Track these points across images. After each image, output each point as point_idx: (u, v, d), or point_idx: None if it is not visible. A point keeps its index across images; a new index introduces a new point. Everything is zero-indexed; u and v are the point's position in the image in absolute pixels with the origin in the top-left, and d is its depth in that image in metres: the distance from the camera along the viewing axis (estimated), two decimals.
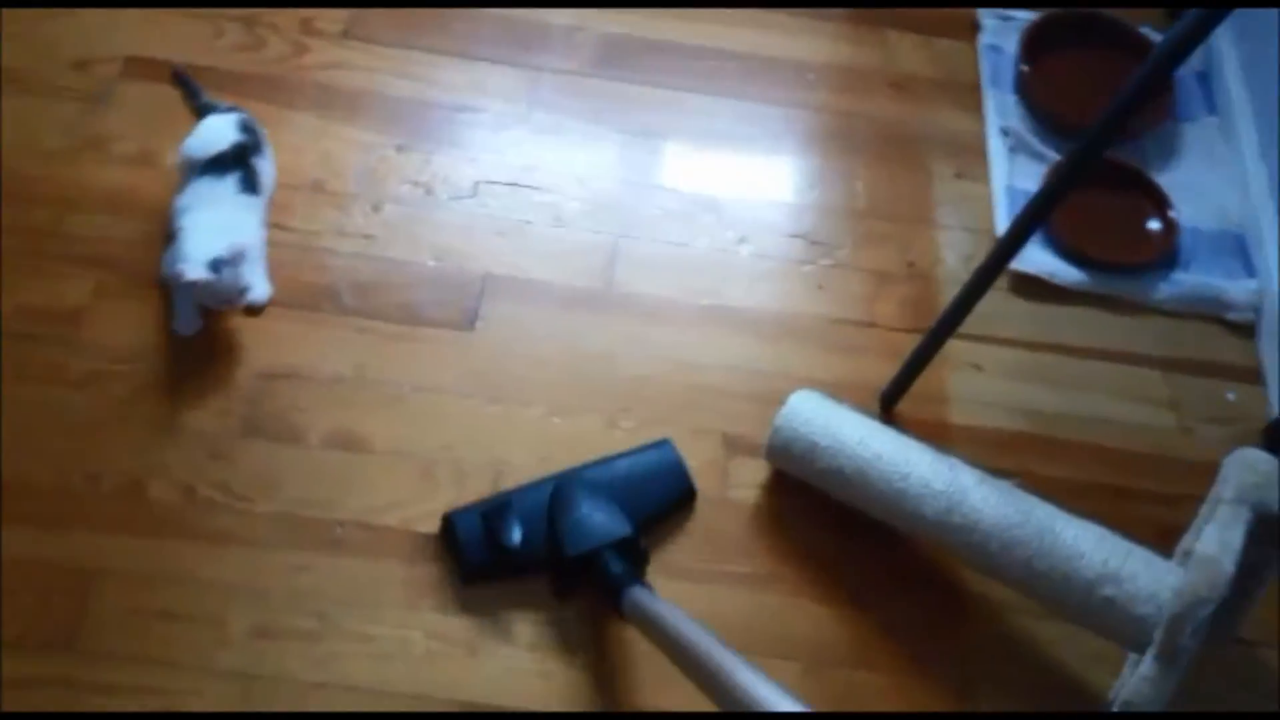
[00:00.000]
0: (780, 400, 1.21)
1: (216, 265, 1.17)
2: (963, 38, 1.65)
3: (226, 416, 1.21)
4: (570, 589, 1.13)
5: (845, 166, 1.51)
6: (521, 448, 1.24)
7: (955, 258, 1.45)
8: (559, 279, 1.36)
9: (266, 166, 1.31)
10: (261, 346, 1.26)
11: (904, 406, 1.31)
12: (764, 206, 1.47)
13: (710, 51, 1.58)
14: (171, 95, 1.42)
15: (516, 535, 1.12)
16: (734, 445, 1.27)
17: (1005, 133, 1.56)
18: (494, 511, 1.14)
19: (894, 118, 1.57)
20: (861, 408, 1.23)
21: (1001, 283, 1.41)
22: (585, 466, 1.20)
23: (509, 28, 1.55)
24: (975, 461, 1.15)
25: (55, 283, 1.27)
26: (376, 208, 1.39)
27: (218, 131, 1.28)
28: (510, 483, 1.20)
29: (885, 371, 1.31)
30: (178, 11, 1.48)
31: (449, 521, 1.15)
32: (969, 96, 1.60)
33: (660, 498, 1.21)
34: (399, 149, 1.43)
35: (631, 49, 1.56)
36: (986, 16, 1.66)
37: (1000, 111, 1.58)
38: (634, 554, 1.11)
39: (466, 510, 1.16)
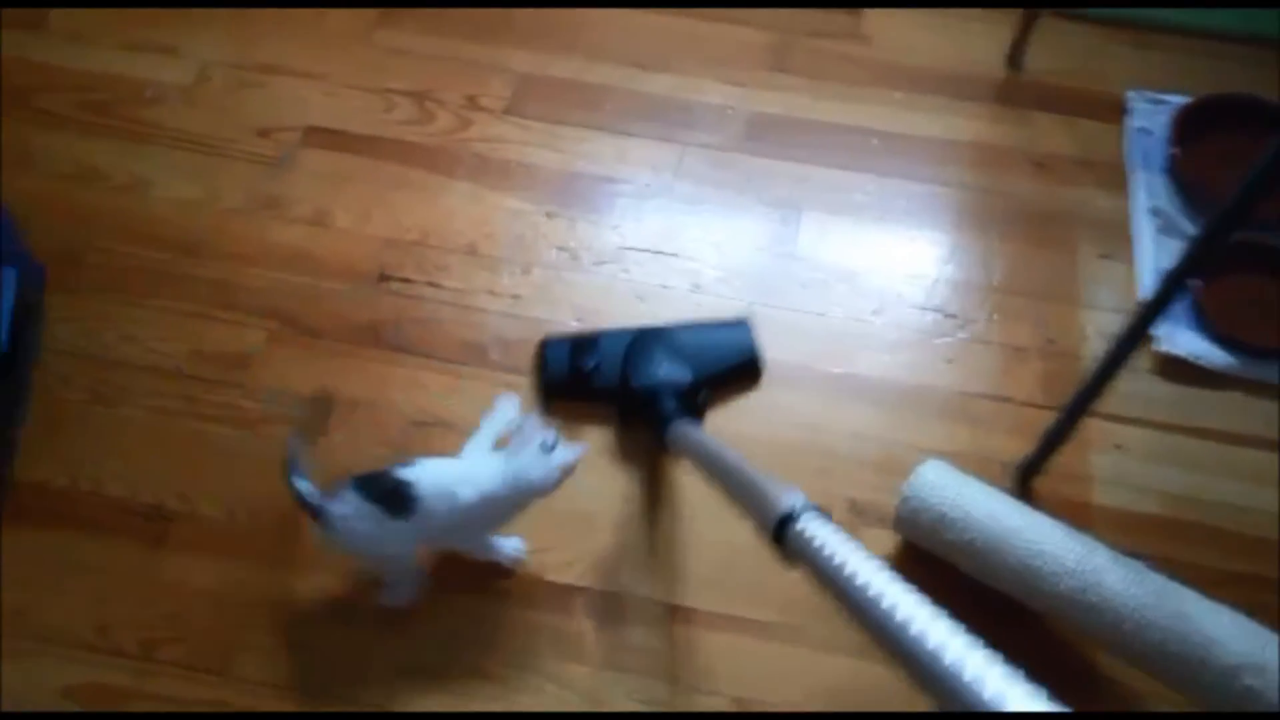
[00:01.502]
0: (909, 471, 1.21)
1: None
2: (1107, 119, 1.64)
3: (377, 462, 1.28)
4: (632, 419, 1.31)
5: (984, 242, 1.52)
6: (658, 507, 1.27)
7: (1100, 337, 1.43)
8: None
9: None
10: (414, 396, 1.34)
11: (1040, 483, 1.30)
12: (899, 279, 1.49)
13: (854, 129, 1.62)
14: (345, 162, 1.53)
15: (594, 363, 1.32)
16: (861, 513, 1.28)
17: (1155, 213, 1.54)
18: (581, 342, 1.34)
19: (1036, 196, 1.57)
20: (993, 482, 1.22)
21: (1148, 365, 1.39)
22: (668, 325, 1.37)
23: (657, 106, 1.62)
24: (1110, 542, 1.13)
25: (231, 330, 1.38)
26: (525, 270, 1.46)
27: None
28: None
29: (1016, 447, 1.30)
30: (356, 88, 1.60)
31: (542, 345, 1.36)
32: (1113, 177, 1.59)
33: (725, 364, 1.36)
34: (548, 216, 1.51)
35: (777, 126, 1.61)
36: (1136, 100, 1.65)
37: (1149, 192, 1.56)
38: (690, 401, 1.27)
39: (559, 339, 1.36)
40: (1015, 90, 1.68)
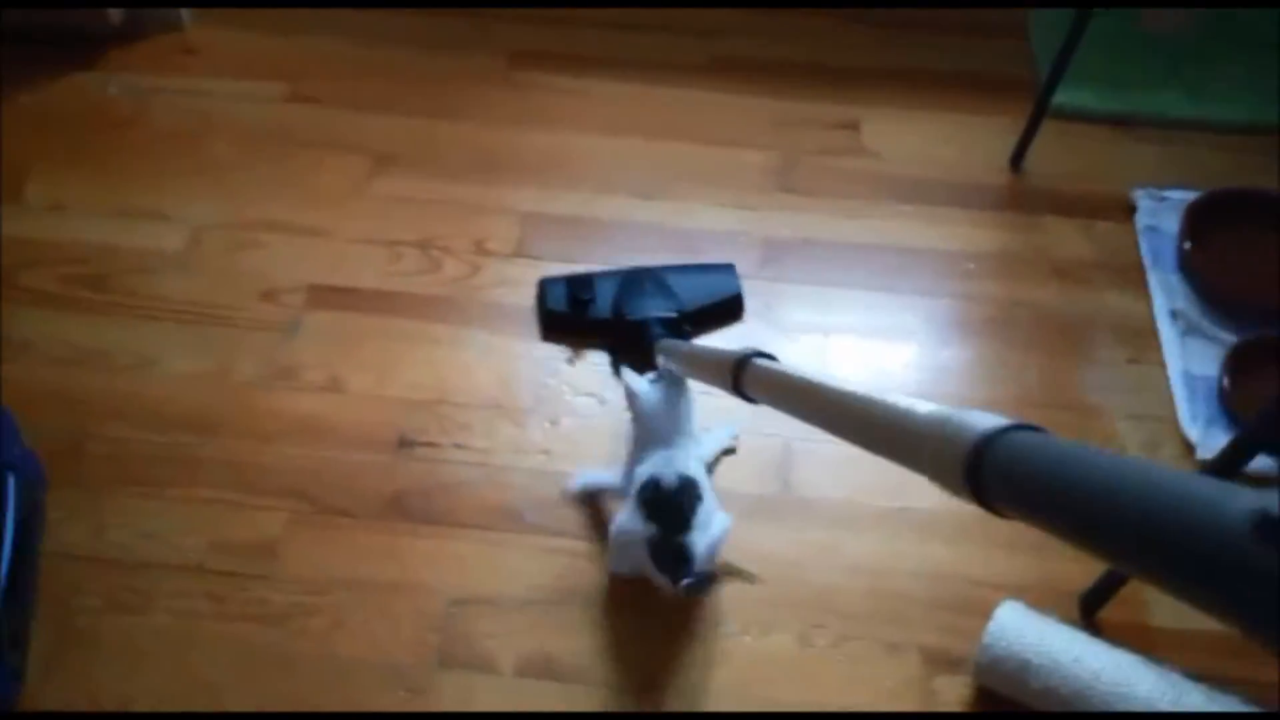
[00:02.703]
0: (974, 607, 1.17)
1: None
2: (1119, 219, 1.64)
3: (421, 647, 1.21)
4: (624, 348, 1.42)
5: (1012, 354, 1.49)
6: (717, 669, 1.21)
7: (1138, 446, 1.41)
8: (735, 484, 1.35)
9: None
10: (451, 573, 1.26)
11: (1104, 610, 1.26)
12: (933, 399, 1.44)
13: (869, 247, 1.59)
14: (355, 321, 1.47)
15: (589, 297, 1.45)
16: (934, 661, 1.22)
17: (1175, 315, 1.52)
18: (577, 280, 1.47)
19: (1058, 304, 1.55)
20: (1064, 617, 1.18)
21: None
22: (658, 265, 1.50)
23: (668, 236, 1.59)
24: (1190, 670, 1.09)
25: (251, 515, 1.30)
26: (553, 421, 1.40)
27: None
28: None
29: (1076, 572, 1.26)
30: (357, 240, 1.55)
31: (541, 283, 1.49)
32: (1134, 278, 1.57)
33: (711, 300, 1.49)
34: (569, 361, 1.46)
35: (792, 249, 1.58)
36: (1141, 197, 1.65)
37: (1166, 292, 1.55)
38: (676, 331, 1.41)
39: (557, 278, 1.49)
40: (1024, 195, 1.67)
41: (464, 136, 1.67)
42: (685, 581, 1.12)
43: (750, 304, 1.53)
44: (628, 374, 1.26)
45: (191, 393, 1.39)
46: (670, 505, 1.15)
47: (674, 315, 1.43)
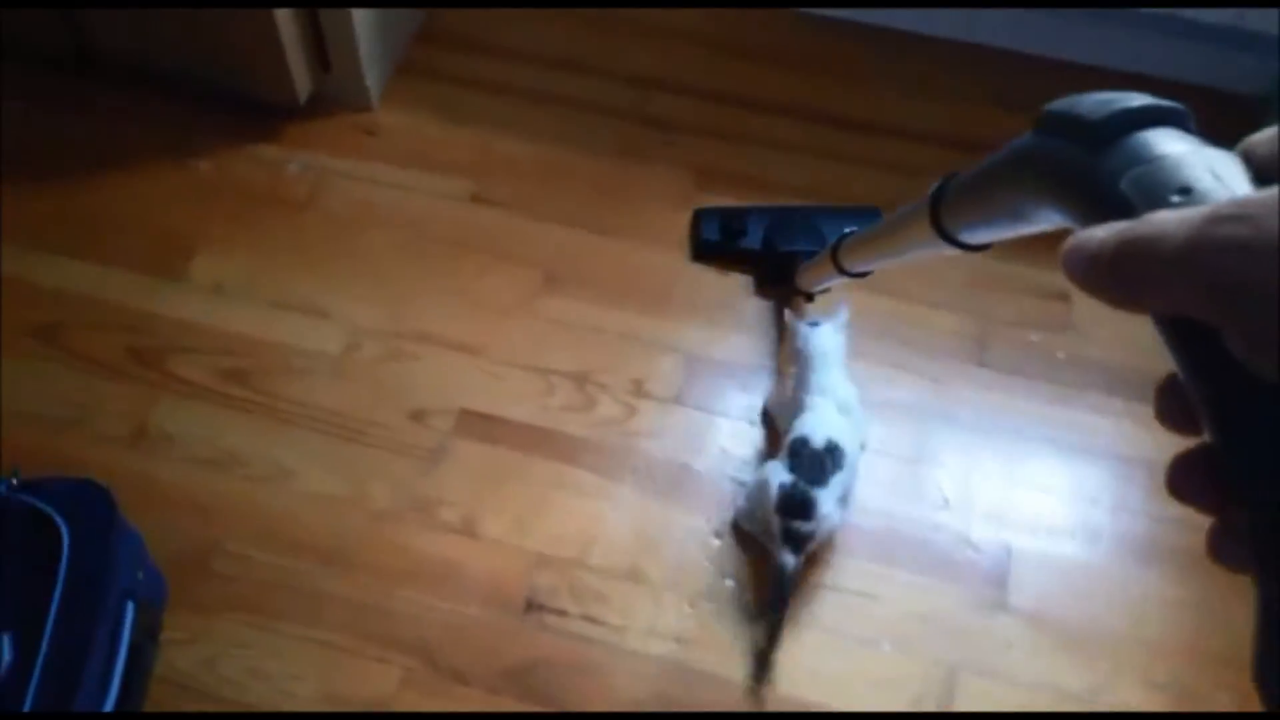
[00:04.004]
0: None
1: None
2: None
3: None
4: (771, 279, 1.53)
5: (1215, 597, 1.32)
6: None
7: None
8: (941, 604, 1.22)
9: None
10: None
11: None
12: (1114, 637, 1.29)
13: (1065, 447, 1.43)
14: (500, 457, 1.39)
15: (743, 228, 1.55)
16: None
17: None
18: (732, 212, 1.57)
19: None
20: None
21: None
22: (810, 205, 1.58)
23: None
24: None
25: (367, 666, 1.23)
26: (691, 603, 1.29)
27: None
28: None
29: None
30: (514, 365, 1.47)
31: (696, 214, 1.59)
32: None
33: None
34: (718, 535, 1.34)
35: (972, 430, 1.44)
36: None
37: None
38: None
39: (711, 208, 1.58)
40: None
41: (639, 260, 1.58)
42: (786, 560, 1.21)
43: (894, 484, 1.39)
44: (789, 317, 1.35)
45: (324, 515, 1.33)
46: (813, 461, 1.22)
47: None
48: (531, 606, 1.28)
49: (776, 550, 1.24)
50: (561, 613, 1.28)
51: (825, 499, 1.22)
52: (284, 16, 1.52)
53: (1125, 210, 0.34)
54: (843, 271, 1.18)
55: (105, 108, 1.69)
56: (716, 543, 1.34)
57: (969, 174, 0.61)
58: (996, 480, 1.41)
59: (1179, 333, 0.32)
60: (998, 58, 1.77)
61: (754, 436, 1.42)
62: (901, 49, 1.81)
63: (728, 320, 1.53)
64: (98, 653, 1.08)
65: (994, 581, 1.33)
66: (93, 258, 1.53)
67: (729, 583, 1.31)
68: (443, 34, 1.81)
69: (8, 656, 1.06)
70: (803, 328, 1.33)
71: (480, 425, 1.42)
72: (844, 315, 1.34)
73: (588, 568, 1.31)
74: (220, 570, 1.29)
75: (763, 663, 1.24)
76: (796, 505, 1.21)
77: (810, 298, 1.49)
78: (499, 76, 1.76)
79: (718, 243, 1.56)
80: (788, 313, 1.37)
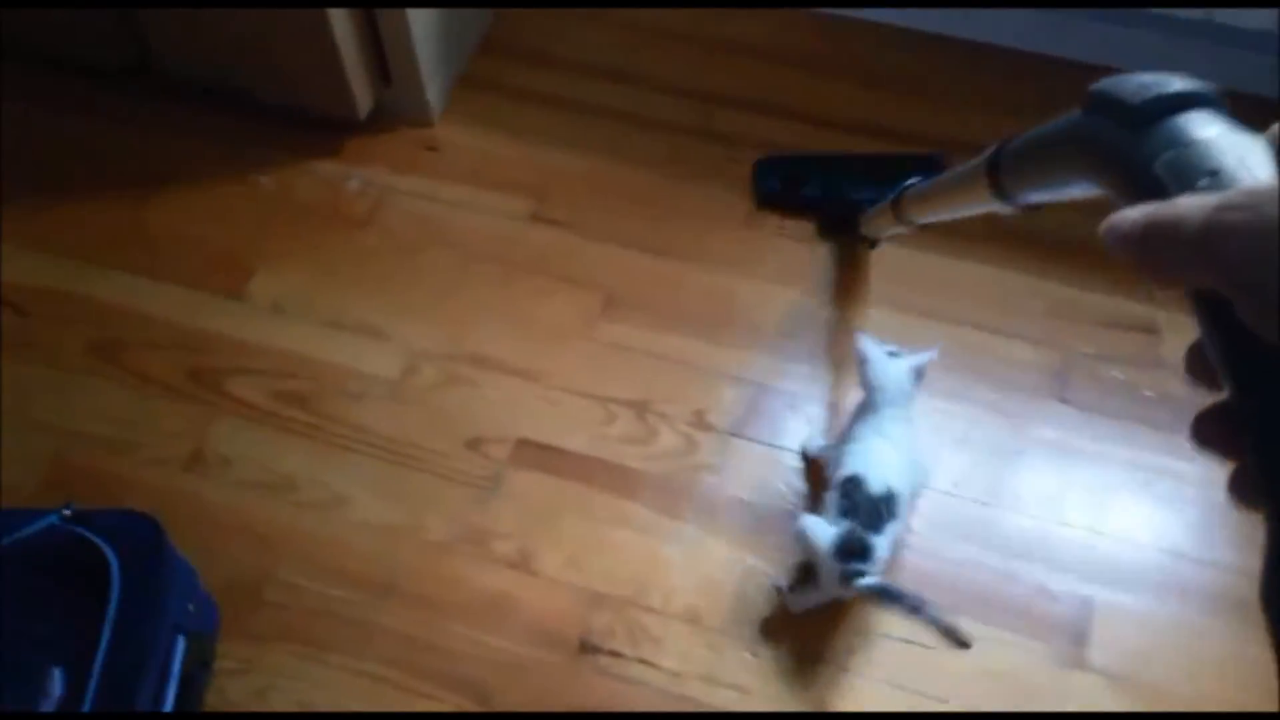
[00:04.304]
0: None
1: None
2: None
3: None
4: (834, 227, 1.54)
5: None
6: None
7: None
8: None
9: None
10: None
11: None
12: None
13: (1153, 494, 1.36)
14: (557, 488, 1.35)
15: (805, 176, 1.58)
16: None
17: None
18: (793, 160, 1.60)
19: None
20: None
21: None
22: (870, 153, 1.60)
23: None
24: None
25: (414, 704, 1.21)
26: (752, 651, 1.25)
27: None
28: None
29: None
30: (573, 392, 1.43)
31: (755, 164, 1.60)
32: None
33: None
34: (780, 577, 1.29)
35: (1050, 473, 1.37)
36: None
37: None
38: None
39: (771, 158, 1.61)
40: None
41: (700, 283, 1.53)
42: (861, 582, 1.13)
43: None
44: (864, 341, 1.27)
45: (377, 544, 1.31)
46: (870, 507, 1.16)
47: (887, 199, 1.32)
48: (586, 648, 1.24)
49: (834, 590, 1.18)
50: (615, 654, 1.24)
51: (880, 545, 1.16)
52: (343, 30, 1.50)
53: (1158, 191, 0.39)
54: (902, 222, 1.20)
55: (165, 121, 1.68)
56: (779, 585, 1.29)
57: (1023, 141, 0.65)
58: (1077, 527, 1.34)
59: (1200, 302, 0.36)
60: (1074, 69, 1.69)
61: (813, 470, 1.37)
62: (975, 60, 1.74)
63: (792, 348, 1.48)
64: (147, 686, 1.06)
65: (1073, 636, 1.27)
66: (152, 274, 1.52)
67: (791, 629, 1.26)
68: (504, 45, 1.78)
69: (59, 690, 1.05)
70: (875, 354, 1.25)
71: (537, 455, 1.38)
72: (927, 357, 1.25)
73: (644, 607, 1.27)
74: (272, 599, 1.27)
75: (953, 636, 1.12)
76: (855, 550, 1.15)
77: (873, 244, 1.50)
78: (561, 89, 1.73)
79: (779, 192, 1.58)
80: (862, 337, 1.28)
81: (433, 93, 1.67)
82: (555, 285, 1.53)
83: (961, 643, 1.10)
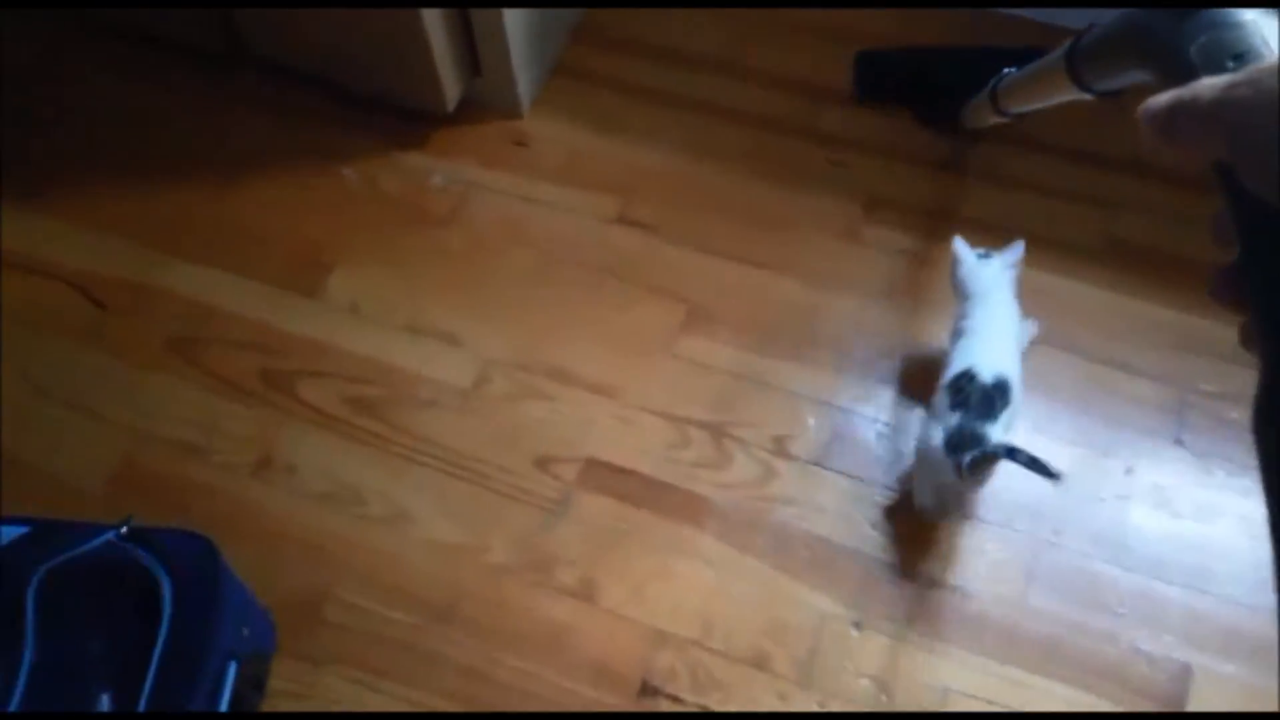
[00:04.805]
0: None
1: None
2: None
3: None
4: (933, 120, 1.53)
5: None
6: None
7: None
8: None
9: None
10: None
11: None
12: None
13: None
14: (625, 514, 1.30)
15: (906, 66, 1.58)
16: None
17: None
18: (895, 54, 1.59)
19: None
20: None
21: None
22: (969, 46, 1.58)
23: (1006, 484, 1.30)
24: None
25: None
26: (820, 703, 1.18)
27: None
28: None
29: None
30: (648, 410, 1.37)
31: (857, 56, 1.59)
32: None
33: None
34: (857, 626, 1.22)
35: (1156, 540, 1.26)
36: None
37: None
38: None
39: (871, 50, 1.59)
40: None
41: (793, 299, 1.45)
42: (968, 457, 1.11)
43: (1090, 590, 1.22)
44: (958, 243, 1.28)
45: (439, 565, 1.28)
46: (981, 397, 1.15)
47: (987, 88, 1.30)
48: (646, 690, 1.19)
49: (953, 486, 1.18)
50: (676, 699, 1.19)
51: (994, 432, 1.14)
52: (433, 18, 1.44)
53: (1192, 74, 0.42)
54: (1000, 113, 1.21)
55: (252, 105, 1.66)
56: (855, 634, 1.22)
57: (1095, 33, 0.70)
58: (1180, 585, 1.23)
59: (1218, 173, 0.39)
60: None
61: (908, 514, 1.28)
62: None
63: (881, 373, 1.39)
64: (196, 710, 1.05)
65: (1169, 703, 1.17)
66: (230, 267, 1.50)
67: (867, 683, 1.19)
68: (599, 34, 1.70)
69: (106, 712, 1.05)
70: (969, 257, 1.27)
71: (607, 477, 1.33)
72: (1018, 252, 1.26)
73: (709, 649, 1.22)
74: (330, 619, 1.25)
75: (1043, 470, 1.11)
76: (967, 440, 1.13)
77: (976, 136, 1.48)
78: (657, 82, 1.64)
79: (880, 83, 1.58)
80: (956, 240, 1.29)
81: (524, 84, 1.61)
82: (637, 294, 1.46)
83: (1051, 475, 1.09)
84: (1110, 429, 1.33)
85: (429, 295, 1.47)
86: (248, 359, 1.43)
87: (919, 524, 1.28)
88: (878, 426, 1.35)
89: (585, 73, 1.66)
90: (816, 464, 1.33)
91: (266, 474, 1.34)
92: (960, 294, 1.27)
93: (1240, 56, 0.43)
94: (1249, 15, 0.45)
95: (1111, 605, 1.23)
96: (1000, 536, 1.27)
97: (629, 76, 1.65)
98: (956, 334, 1.24)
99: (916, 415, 1.34)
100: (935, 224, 1.48)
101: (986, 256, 1.26)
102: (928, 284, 1.44)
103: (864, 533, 1.28)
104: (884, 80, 1.58)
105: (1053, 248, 1.44)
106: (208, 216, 1.56)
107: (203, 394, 1.40)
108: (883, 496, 1.30)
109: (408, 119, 1.61)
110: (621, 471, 1.33)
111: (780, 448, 1.34)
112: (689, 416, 1.37)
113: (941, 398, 1.18)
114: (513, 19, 1.51)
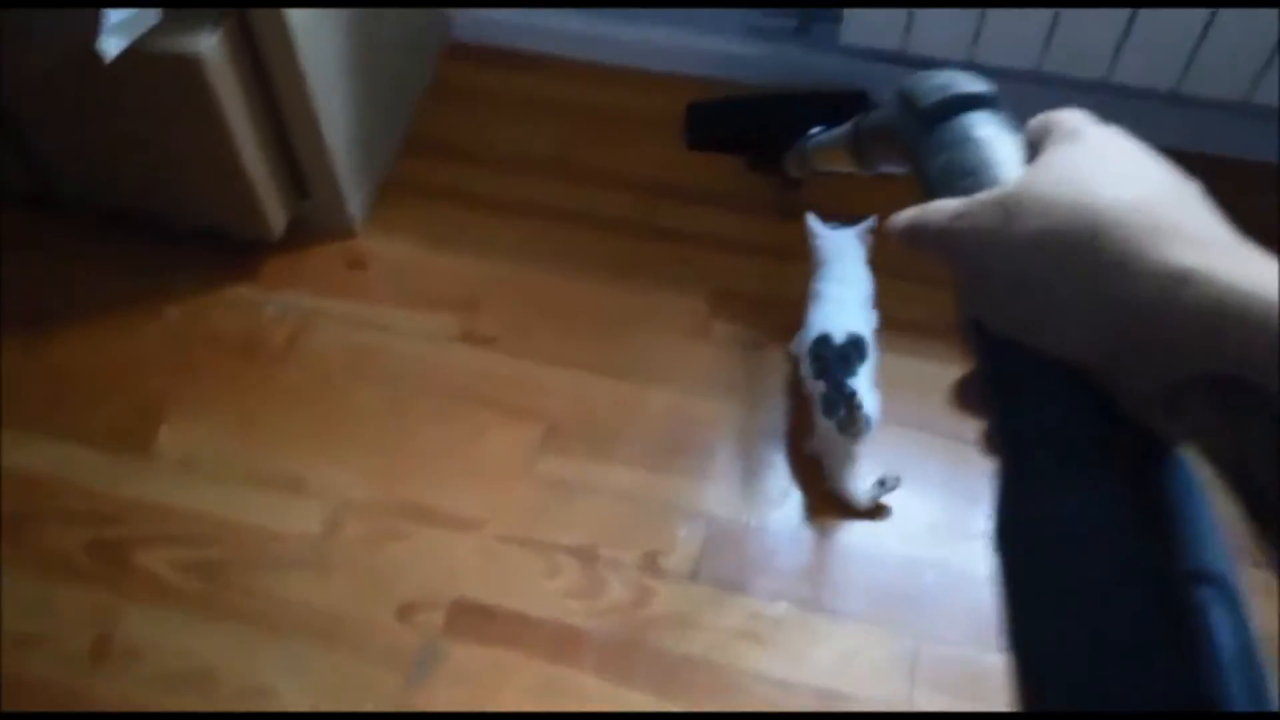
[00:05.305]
0: None
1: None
2: None
3: None
4: (762, 163, 1.51)
5: None
6: None
7: None
8: None
9: None
10: None
11: None
12: None
13: None
14: (495, 658, 1.24)
15: (733, 114, 1.63)
16: None
17: None
18: (725, 103, 1.63)
19: None
20: None
21: None
22: (796, 91, 1.62)
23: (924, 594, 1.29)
24: None
25: None
26: None
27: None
28: None
29: None
30: (514, 540, 1.31)
31: (689, 107, 1.62)
32: None
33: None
34: None
35: None
36: None
37: None
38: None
39: (701, 102, 1.63)
40: None
41: (649, 404, 1.41)
42: (842, 412, 1.21)
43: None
44: (810, 219, 1.38)
45: None
46: (838, 357, 1.25)
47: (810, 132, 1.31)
48: None
49: (843, 447, 1.26)
50: None
51: (857, 385, 1.23)
52: (249, 145, 1.37)
53: (932, 189, 0.44)
54: (807, 168, 1.20)
55: (67, 250, 1.56)
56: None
57: (869, 120, 0.68)
58: None
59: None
60: None
61: (787, 620, 1.25)
62: None
63: (746, 471, 1.36)
64: None
65: None
66: (53, 431, 1.40)
67: None
68: (429, 144, 1.65)
69: None
70: (821, 229, 1.37)
71: (475, 619, 1.26)
72: (870, 223, 1.36)
73: None
74: None
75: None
76: (835, 401, 1.23)
77: (796, 184, 1.45)
78: (492, 190, 1.60)
79: (711, 132, 1.62)
80: (809, 216, 1.39)
81: (355, 203, 1.55)
82: (491, 416, 1.41)
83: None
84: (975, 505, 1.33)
85: (270, 439, 1.40)
86: (77, 532, 1.33)
87: (803, 626, 1.25)
88: (750, 533, 1.32)
89: (418, 185, 1.61)
90: (691, 578, 1.29)
91: (107, 662, 1.24)
92: (816, 261, 1.36)
93: (973, 174, 0.42)
94: (986, 130, 0.44)
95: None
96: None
97: (463, 186, 1.61)
98: (812, 296, 1.34)
99: (788, 513, 1.32)
100: (781, 311, 1.46)
101: (838, 228, 1.36)
102: (779, 370, 1.42)
103: (746, 649, 1.24)
104: (714, 129, 1.62)
105: (906, 330, 1.43)
106: (23, 376, 1.45)
107: (31, 578, 1.29)
108: (758, 606, 1.27)
109: (234, 250, 1.53)
110: (489, 612, 1.27)
111: (653, 565, 1.30)
112: (556, 542, 1.32)
113: (805, 366, 1.29)
114: (336, 136, 1.45)
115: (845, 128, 0.84)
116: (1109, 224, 0.35)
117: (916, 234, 0.42)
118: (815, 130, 1.17)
